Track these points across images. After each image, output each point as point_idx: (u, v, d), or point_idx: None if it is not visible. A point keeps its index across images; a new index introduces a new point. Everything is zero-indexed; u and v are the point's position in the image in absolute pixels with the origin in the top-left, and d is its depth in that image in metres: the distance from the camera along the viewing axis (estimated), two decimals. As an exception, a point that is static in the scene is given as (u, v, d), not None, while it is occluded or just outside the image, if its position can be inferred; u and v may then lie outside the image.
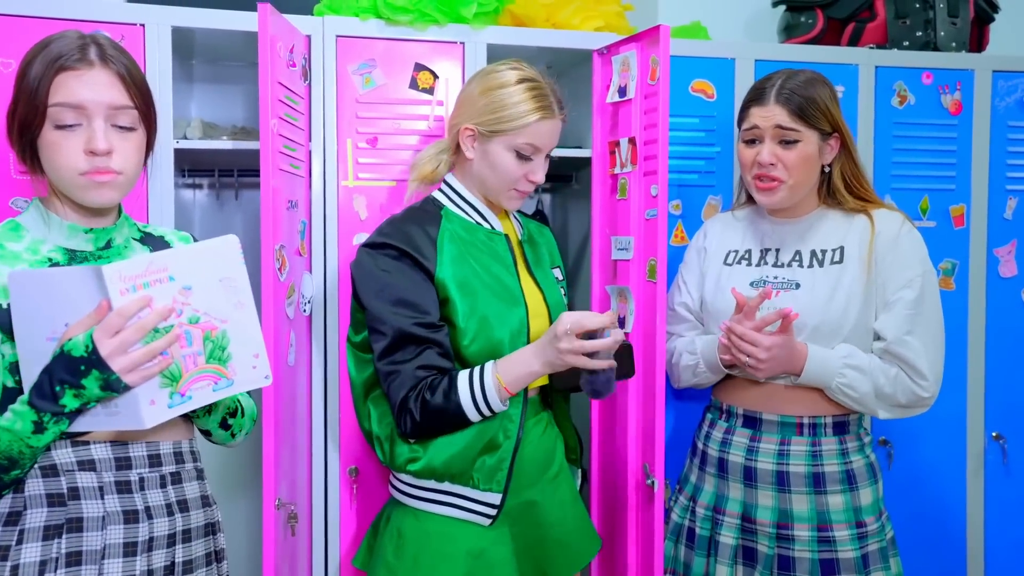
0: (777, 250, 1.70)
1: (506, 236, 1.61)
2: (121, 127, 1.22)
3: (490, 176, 1.55)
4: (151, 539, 1.22)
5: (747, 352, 1.55)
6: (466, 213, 1.59)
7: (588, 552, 1.69)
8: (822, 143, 1.63)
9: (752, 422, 1.67)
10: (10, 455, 1.13)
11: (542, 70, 1.59)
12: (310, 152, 1.82)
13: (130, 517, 1.21)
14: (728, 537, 1.65)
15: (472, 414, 1.45)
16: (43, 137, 1.18)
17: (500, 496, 1.50)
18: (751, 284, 1.68)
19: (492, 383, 1.44)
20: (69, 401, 1.10)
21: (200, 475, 1.34)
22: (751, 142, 1.65)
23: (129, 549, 1.20)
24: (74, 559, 1.17)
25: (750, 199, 1.74)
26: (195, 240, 1.42)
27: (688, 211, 2.04)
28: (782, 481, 1.61)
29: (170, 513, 1.26)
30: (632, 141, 1.77)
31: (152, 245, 1.35)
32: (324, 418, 1.84)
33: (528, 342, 1.54)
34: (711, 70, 2.03)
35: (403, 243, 1.49)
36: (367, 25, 1.83)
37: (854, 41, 2.26)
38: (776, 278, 1.67)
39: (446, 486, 1.51)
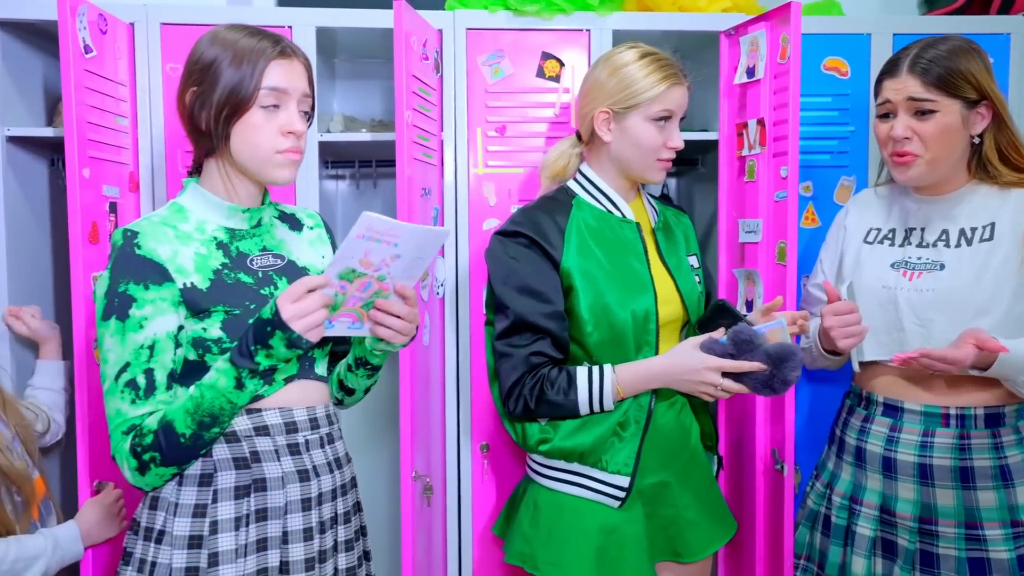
0: (922, 229, 1.61)
1: (637, 224, 1.63)
2: (305, 112, 1.34)
3: (633, 152, 1.58)
4: (320, 494, 1.36)
5: (945, 371, 1.48)
6: (598, 202, 1.62)
7: (723, 534, 1.70)
8: (967, 112, 1.53)
9: (892, 411, 1.60)
10: (212, 411, 1.24)
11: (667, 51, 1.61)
12: (442, 141, 1.90)
13: (303, 476, 1.34)
14: (866, 528, 1.60)
15: (584, 411, 1.53)
16: (247, 119, 1.28)
17: (628, 479, 1.54)
18: (892, 265, 1.61)
19: (611, 391, 1.52)
20: (262, 360, 1.23)
21: (340, 435, 1.47)
22: (885, 116, 1.58)
23: (305, 504, 1.33)
24: (262, 515, 1.30)
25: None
26: (322, 219, 1.54)
27: (819, 192, 1.99)
28: (924, 474, 1.54)
29: (331, 470, 1.39)
30: (761, 122, 1.75)
31: (288, 223, 1.47)
32: (457, 396, 1.93)
33: (656, 328, 1.57)
34: (845, 47, 1.96)
35: (532, 232, 1.55)
36: (496, 17, 1.89)
37: (1005, 9, 2.11)
38: (919, 259, 1.58)
39: (575, 467, 1.56)
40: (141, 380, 1.23)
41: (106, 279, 1.25)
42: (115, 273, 1.24)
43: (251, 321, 1.24)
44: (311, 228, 1.50)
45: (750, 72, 1.78)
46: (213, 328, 1.27)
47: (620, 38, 1.88)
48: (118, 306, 1.23)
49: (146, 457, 1.23)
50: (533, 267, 1.54)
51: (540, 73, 1.91)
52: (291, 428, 1.35)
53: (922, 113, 1.53)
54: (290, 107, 1.31)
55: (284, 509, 1.31)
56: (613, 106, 1.56)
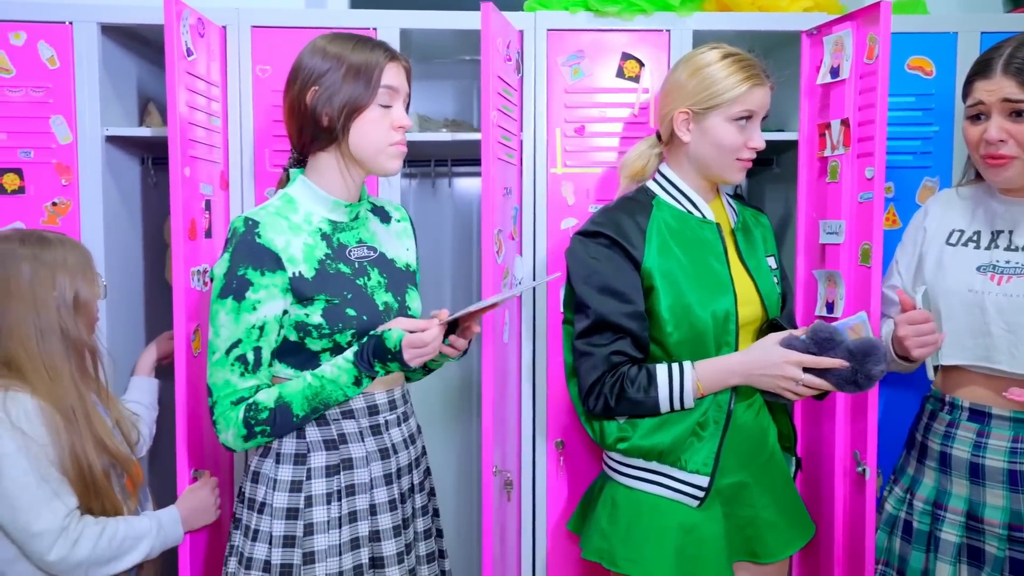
0: (1010, 232, 1.59)
1: (717, 225, 1.63)
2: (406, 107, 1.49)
3: (712, 152, 1.58)
4: (398, 469, 1.52)
5: None
6: (678, 202, 1.63)
7: (801, 537, 1.70)
8: None
9: (979, 416, 1.58)
10: (327, 400, 1.42)
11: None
12: (521, 141, 1.92)
13: (384, 454, 1.50)
14: (951, 534, 1.58)
15: (664, 408, 1.54)
16: (366, 115, 1.42)
17: (708, 479, 1.55)
18: (978, 269, 1.59)
19: (691, 388, 1.52)
20: (379, 370, 1.43)
21: (412, 410, 1.63)
22: (976, 118, 1.56)
23: (387, 479, 1.49)
24: (350, 491, 1.46)
25: (979, 176, 1.65)
26: (407, 213, 1.68)
27: (901, 194, 1.96)
28: (1015, 481, 1.52)
29: (406, 446, 1.55)
30: (845, 122, 1.74)
31: (379, 216, 1.60)
32: (532, 393, 1.95)
33: (736, 329, 1.57)
34: (930, 46, 1.94)
35: (614, 232, 1.56)
36: (576, 18, 1.91)
37: (1095, 6, 2.07)
38: (1008, 262, 1.56)
39: (654, 465, 1.57)
40: (250, 356, 1.38)
41: (226, 261, 1.38)
42: (235, 257, 1.37)
43: (374, 335, 1.41)
44: (398, 221, 1.63)
45: (834, 72, 1.77)
46: (315, 315, 1.40)
47: (700, 38, 1.88)
48: (236, 288, 1.36)
49: (257, 429, 1.40)
50: (614, 267, 1.55)
51: (620, 73, 1.92)
52: (373, 411, 1.49)
53: (1018, 114, 1.50)
54: (399, 104, 1.46)
55: (370, 484, 1.47)
56: (693, 106, 1.56)
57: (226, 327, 1.36)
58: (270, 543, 1.41)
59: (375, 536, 1.46)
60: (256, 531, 1.43)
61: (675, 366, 1.53)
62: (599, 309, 1.54)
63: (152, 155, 2.06)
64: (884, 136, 1.64)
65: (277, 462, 1.44)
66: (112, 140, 1.87)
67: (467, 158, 2.23)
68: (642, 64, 1.91)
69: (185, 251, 1.60)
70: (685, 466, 1.55)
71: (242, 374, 1.38)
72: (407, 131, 1.47)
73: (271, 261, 1.37)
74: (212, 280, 1.40)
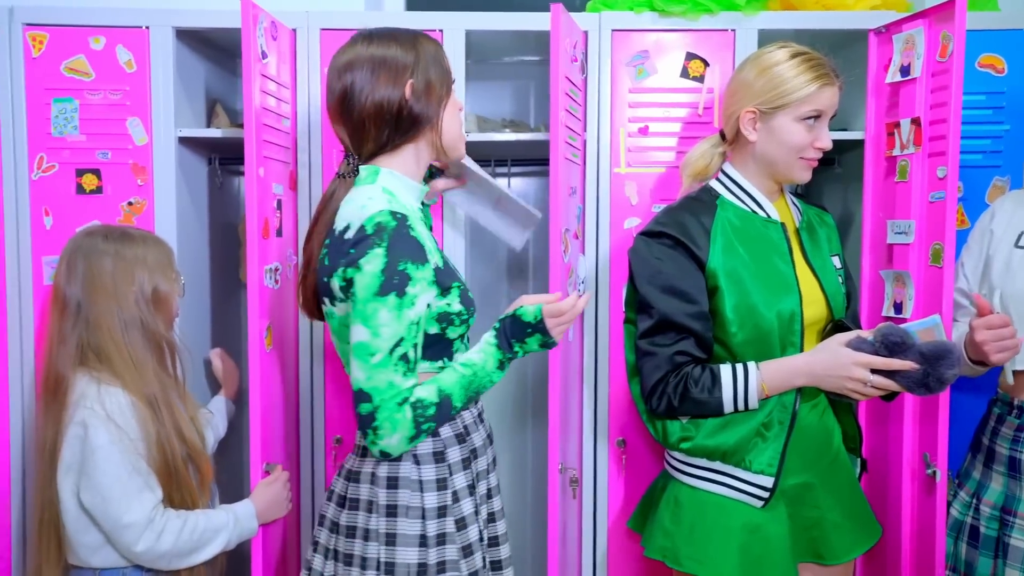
0: None
1: (782, 224, 1.63)
2: None
3: (778, 151, 1.57)
4: (493, 459, 1.59)
5: None
6: (742, 202, 1.62)
7: (867, 539, 1.68)
8: None
9: None
10: (479, 388, 1.44)
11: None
12: (585, 141, 1.93)
13: (490, 440, 1.58)
14: (1021, 541, 1.56)
15: (728, 409, 1.53)
16: (452, 100, 1.47)
17: (772, 480, 1.54)
18: None
19: (756, 389, 1.52)
20: (518, 350, 1.44)
21: None
22: None
23: (491, 467, 1.56)
24: (477, 479, 1.50)
25: None
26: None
27: (970, 193, 1.94)
28: None
29: (491, 441, 1.61)
30: (916, 121, 1.72)
31: (422, 208, 1.62)
32: (595, 392, 1.96)
33: (801, 329, 1.56)
34: (1002, 43, 1.91)
35: (678, 232, 1.56)
36: (641, 18, 1.91)
37: None
38: None
39: (718, 465, 1.57)
40: (411, 354, 1.35)
41: (383, 256, 1.30)
42: (393, 252, 1.31)
43: (507, 316, 1.44)
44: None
45: (904, 70, 1.75)
46: (455, 302, 1.40)
47: (766, 38, 1.87)
48: (397, 283, 1.31)
49: (424, 427, 1.37)
50: (678, 267, 1.55)
51: (684, 73, 1.92)
52: (473, 400, 1.50)
53: None
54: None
55: (487, 470, 1.54)
56: (760, 106, 1.56)
57: (388, 325, 1.30)
58: (424, 545, 1.39)
59: (491, 517, 1.53)
60: (394, 535, 1.38)
61: (739, 367, 1.53)
62: (663, 309, 1.54)
63: (219, 155, 2.10)
64: (958, 135, 1.62)
65: (416, 463, 1.41)
66: (183, 141, 1.92)
67: (524, 158, 2.24)
68: (707, 64, 1.91)
69: (260, 250, 1.63)
70: (750, 467, 1.55)
71: (405, 373, 1.33)
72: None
73: (422, 254, 1.34)
74: (355, 279, 1.31)
